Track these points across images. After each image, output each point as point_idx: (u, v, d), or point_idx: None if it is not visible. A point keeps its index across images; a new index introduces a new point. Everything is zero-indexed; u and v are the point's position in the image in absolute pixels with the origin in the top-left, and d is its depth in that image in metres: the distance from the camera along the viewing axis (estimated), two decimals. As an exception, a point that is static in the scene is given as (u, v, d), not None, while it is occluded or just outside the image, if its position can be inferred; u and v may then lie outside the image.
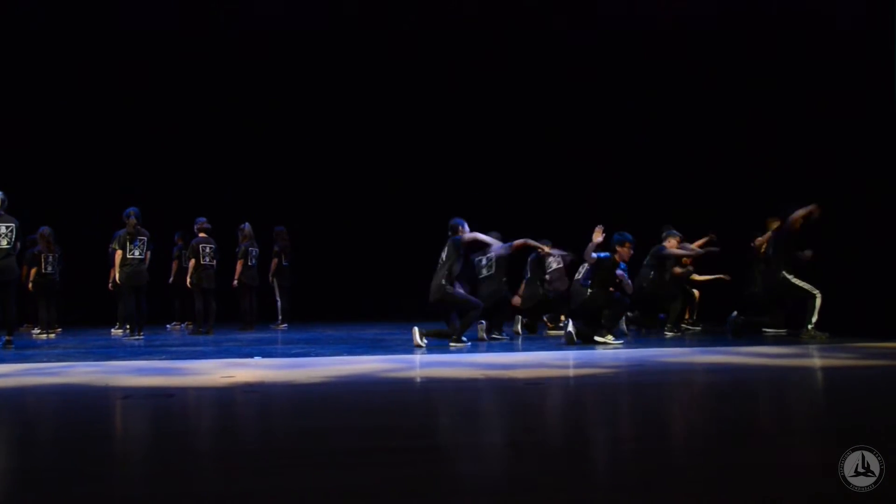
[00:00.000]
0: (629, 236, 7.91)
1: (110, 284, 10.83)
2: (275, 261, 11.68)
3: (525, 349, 7.45)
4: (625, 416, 3.93)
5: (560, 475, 2.57)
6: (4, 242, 8.00)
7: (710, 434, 3.30)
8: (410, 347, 7.44)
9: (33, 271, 10.36)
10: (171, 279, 11.70)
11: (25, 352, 7.58)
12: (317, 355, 6.83)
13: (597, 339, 7.66)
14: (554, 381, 5.03)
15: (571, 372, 5.54)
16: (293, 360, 6.44)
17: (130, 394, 4.59)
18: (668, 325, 9.02)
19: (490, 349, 7.37)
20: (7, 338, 8.00)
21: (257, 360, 6.47)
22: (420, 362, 6.25)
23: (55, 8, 12.30)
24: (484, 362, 6.25)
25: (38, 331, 10.47)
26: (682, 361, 6.12)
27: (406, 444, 3.07)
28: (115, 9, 12.41)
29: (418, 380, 5.25)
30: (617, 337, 7.90)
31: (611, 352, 6.99)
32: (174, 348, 7.93)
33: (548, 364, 6.01)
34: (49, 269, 10.45)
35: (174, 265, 11.69)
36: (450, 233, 7.82)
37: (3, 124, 12.63)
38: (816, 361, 6.07)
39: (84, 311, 12.26)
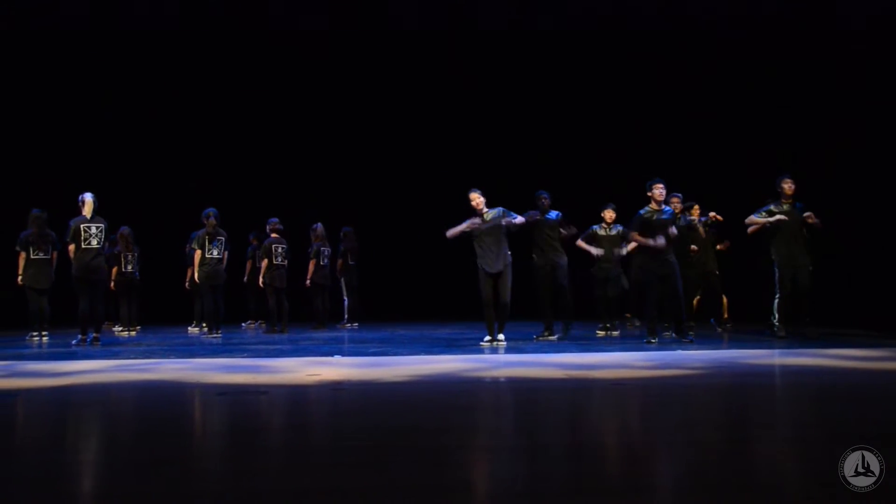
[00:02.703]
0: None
1: (187, 283, 11.10)
2: (340, 261, 11.79)
3: (603, 349, 7.32)
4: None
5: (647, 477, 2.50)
6: (95, 242, 8.26)
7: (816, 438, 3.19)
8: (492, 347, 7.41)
9: (115, 270, 10.66)
10: (245, 278, 11.91)
11: (112, 349, 7.81)
12: (395, 354, 6.87)
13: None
14: (638, 382, 4.94)
15: (657, 373, 5.43)
16: (374, 359, 6.48)
17: (225, 391, 4.67)
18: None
19: (569, 349, 7.29)
20: (94, 335, 8.27)
21: (338, 358, 6.53)
22: (501, 362, 6.22)
23: (146, 17, 12.62)
24: (565, 362, 6.18)
25: (120, 328, 10.78)
26: (777, 364, 5.95)
27: (496, 444, 3.04)
28: (204, 18, 12.69)
29: (503, 380, 5.22)
30: None
31: (692, 353, 6.83)
32: (253, 346, 8.07)
33: (630, 365, 5.90)
34: (129, 267, 10.75)
35: (248, 265, 11.90)
36: None
37: (86, 128, 13.09)
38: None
39: (160, 310, 12.57)
